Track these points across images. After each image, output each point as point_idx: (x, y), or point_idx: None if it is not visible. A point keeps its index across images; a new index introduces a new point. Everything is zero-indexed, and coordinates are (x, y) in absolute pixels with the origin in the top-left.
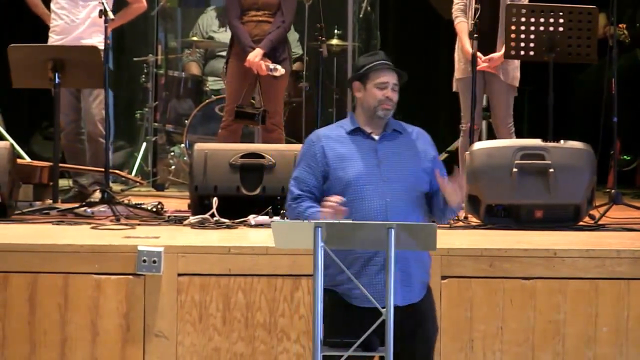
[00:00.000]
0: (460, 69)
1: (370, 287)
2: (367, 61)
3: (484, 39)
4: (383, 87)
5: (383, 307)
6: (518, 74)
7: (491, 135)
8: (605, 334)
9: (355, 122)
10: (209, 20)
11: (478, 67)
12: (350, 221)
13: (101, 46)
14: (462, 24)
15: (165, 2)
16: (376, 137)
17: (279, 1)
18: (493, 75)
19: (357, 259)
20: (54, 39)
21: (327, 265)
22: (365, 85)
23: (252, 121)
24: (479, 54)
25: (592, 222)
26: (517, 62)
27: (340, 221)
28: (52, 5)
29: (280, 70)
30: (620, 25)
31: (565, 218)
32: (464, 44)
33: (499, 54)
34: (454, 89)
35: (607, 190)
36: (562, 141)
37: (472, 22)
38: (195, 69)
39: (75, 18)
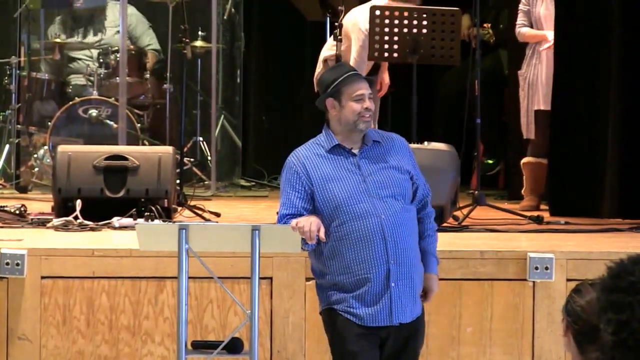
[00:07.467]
0: None
1: (376, 305)
2: (336, 75)
3: None
4: (360, 99)
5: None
6: None
7: None
8: (469, 335)
9: (333, 138)
10: (54, 29)
11: None
12: (215, 223)
13: None
14: None
15: (28, 3)
16: (356, 152)
17: None
18: None
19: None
20: None
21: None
22: (340, 101)
23: None
24: None
25: (456, 223)
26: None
27: (204, 223)
28: None
29: None
30: (485, 25)
31: None
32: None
33: None
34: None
35: (471, 191)
36: (425, 143)
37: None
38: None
39: None
